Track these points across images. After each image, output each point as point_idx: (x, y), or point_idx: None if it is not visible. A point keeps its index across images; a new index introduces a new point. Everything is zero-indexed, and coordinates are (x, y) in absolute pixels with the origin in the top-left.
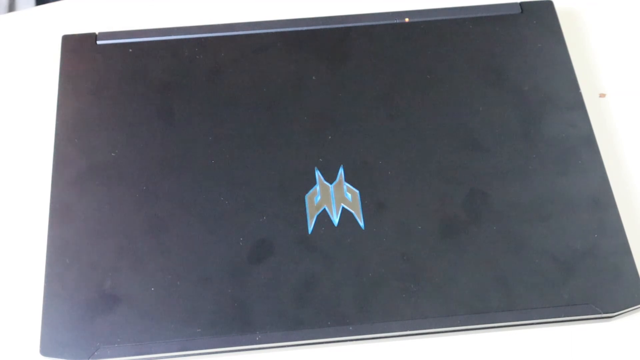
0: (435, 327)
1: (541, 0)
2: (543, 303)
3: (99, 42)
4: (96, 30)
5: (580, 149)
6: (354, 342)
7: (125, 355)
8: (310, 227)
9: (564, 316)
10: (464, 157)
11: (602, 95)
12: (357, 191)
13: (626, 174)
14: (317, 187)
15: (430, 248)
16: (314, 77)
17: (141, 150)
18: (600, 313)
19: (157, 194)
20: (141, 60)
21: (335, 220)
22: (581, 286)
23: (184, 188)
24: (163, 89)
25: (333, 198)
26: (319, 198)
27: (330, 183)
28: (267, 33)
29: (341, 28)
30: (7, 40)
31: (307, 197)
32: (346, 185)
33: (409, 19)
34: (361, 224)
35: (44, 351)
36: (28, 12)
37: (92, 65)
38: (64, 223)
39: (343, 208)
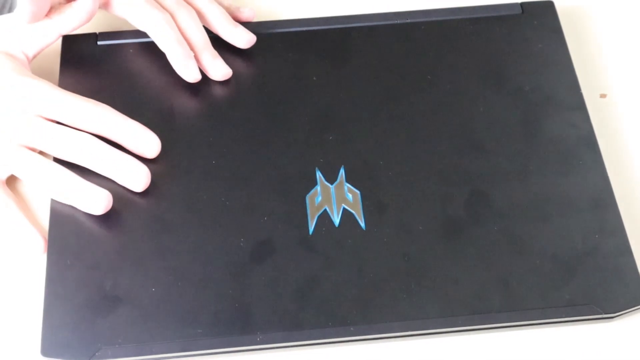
0: (436, 328)
1: (542, 0)
2: (544, 303)
3: (99, 42)
4: (96, 30)
5: (581, 149)
6: (355, 342)
7: (126, 356)
8: (311, 228)
9: (565, 317)
10: (464, 157)
11: (603, 96)
12: (358, 192)
13: (627, 174)
14: (318, 188)
15: (432, 248)
16: (314, 78)
17: None
18: (601, 313)
19: (158, 194)
20: (141, 60)
21: (336, 220)
22: (582, 286)
23: (184, 188)
24: (163, 89)
25: (334, 198)
26: (319, 198)
27: (331, 183)
28: (267, 33)
29: (342, 28)
30: None
31: (308, 197)
32: (347, 185)
33: (409, 19)
34: (362, 224)
35: (44, 352)
36: None
37: (92, 65)
38: (64, 223)
39: (344, 208)
